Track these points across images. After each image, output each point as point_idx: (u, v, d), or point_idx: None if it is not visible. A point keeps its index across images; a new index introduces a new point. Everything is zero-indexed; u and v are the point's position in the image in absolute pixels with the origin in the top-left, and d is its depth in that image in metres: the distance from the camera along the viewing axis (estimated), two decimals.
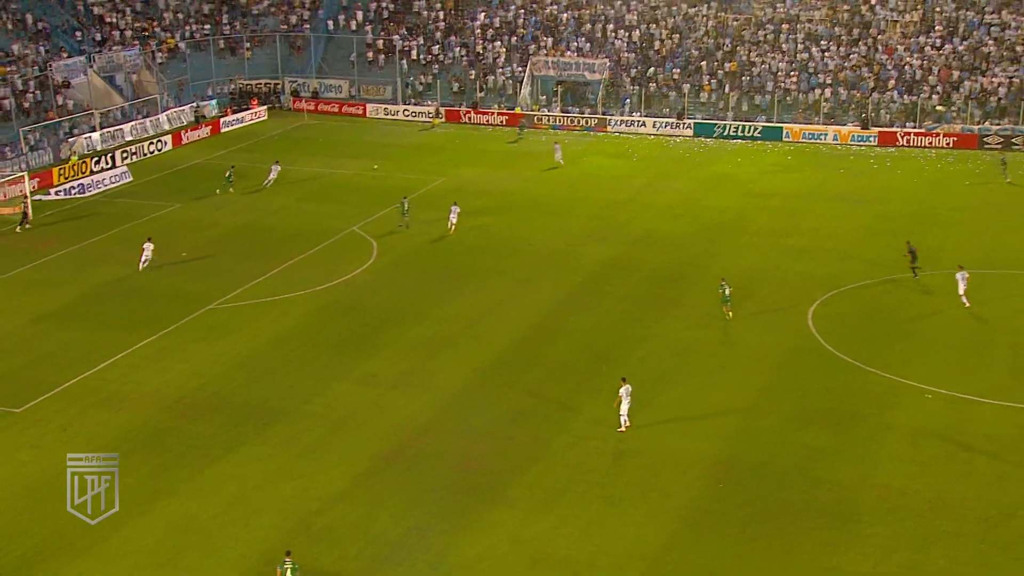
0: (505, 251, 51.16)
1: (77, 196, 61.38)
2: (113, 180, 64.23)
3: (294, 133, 77.95)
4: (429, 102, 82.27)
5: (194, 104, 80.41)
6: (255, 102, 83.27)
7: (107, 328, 42.32)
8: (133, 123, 75.17)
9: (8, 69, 72.38)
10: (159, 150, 72.27)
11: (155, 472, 31.54)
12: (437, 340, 41.03)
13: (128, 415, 35.22)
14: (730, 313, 42.22)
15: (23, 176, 59.61)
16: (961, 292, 43.08)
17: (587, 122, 78.14)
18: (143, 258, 48.46)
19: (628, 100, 78.87)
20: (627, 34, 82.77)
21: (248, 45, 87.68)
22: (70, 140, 69.77)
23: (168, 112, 78.21)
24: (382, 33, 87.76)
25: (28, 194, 57.62)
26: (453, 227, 53.42)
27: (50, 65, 74.00)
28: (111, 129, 73.36)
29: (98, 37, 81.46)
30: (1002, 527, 28.79)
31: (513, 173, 65.80)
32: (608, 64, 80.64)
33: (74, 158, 67.00)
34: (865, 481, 30.86)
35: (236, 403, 35.92)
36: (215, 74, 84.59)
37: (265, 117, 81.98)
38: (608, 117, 77.91)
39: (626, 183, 63.28)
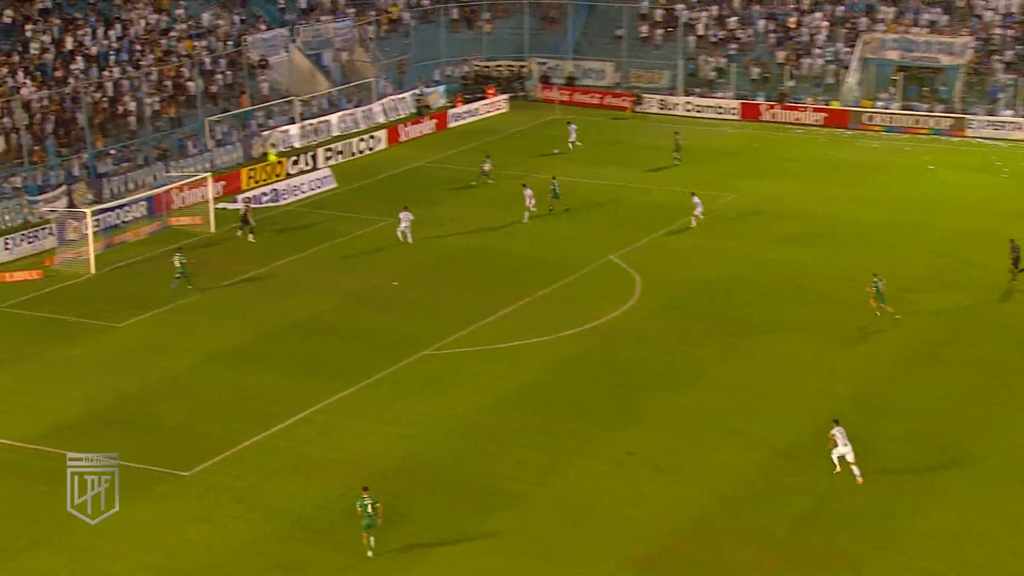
0: (811, 295, 50.63)
1: (269, 204, 64.23)
2: (312, 186, 67.01)
3: (541, 131, 79.61)
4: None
5: (416, 91, 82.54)
6: (492, 90, 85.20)
7: (297, 374, 44.16)
8: (341, 114, 77.90)
9: (196, 44, 76.27)
10: (371, 149, 74.93)
11: (349, 565, 32.47)
12: (716, 411, 40.94)
13: (320, 487, 36.35)
14: (897, 315, 46.00)
15: (206, 178, 62.83)
16: None
17: (937, 123, 76.65)
18: (401, 228, 56.57)
19: (999, 93, 76.78)
20: (1002, 1, 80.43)
21: (488, 16, 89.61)
22: (264, 134, 73.16)
23: (384, 101, 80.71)
24: (661, 1, 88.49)
25: (211, 200, 60.89)
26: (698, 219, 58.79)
27: (245, 39, 77.33)
28: (314, 121, 76.30)
29: (303, 3, 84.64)
30: None
31: (830, 191, 65.01)
32: (972, 44, 78.64)
33: (272, 155, 70.37)
34: None
35: (452, 479, 36.74)
36: (445, 53, 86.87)
37: (505, 109, 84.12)
38: (968, 116, 76.10)
39: (989, 208, 61.66)
